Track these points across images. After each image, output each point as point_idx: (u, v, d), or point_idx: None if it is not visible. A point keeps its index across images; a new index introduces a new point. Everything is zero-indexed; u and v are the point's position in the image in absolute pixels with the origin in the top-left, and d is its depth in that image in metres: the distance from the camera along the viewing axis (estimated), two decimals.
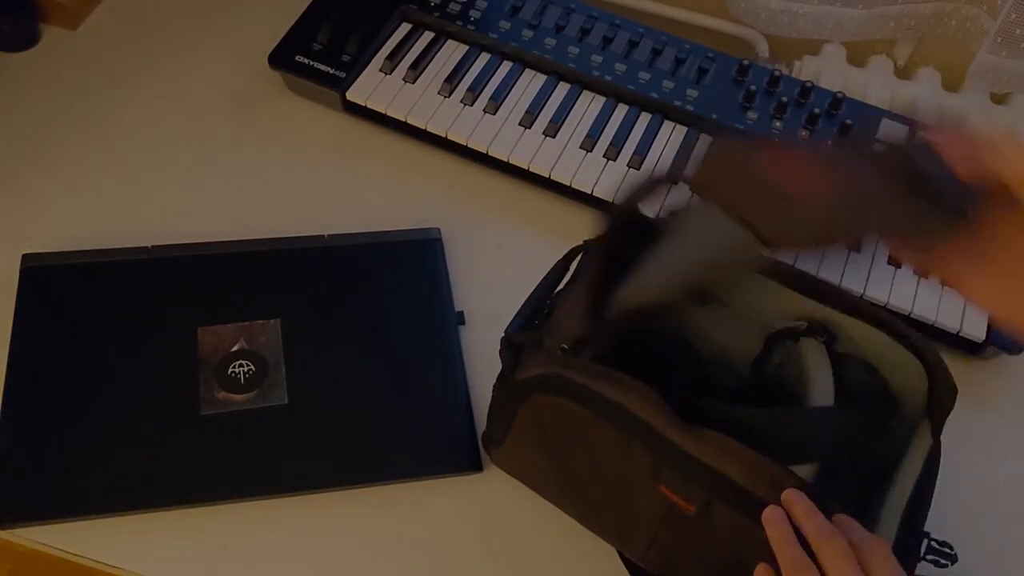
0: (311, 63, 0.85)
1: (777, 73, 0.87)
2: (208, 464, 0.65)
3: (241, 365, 0.69)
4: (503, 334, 0.60)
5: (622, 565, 0.64)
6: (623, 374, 0.55)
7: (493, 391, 0.63)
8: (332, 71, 0.84)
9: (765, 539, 0.50)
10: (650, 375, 0.54)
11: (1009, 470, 0.73)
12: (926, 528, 0.56)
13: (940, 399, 0.58)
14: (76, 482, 0.63)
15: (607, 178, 0.81)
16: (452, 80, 0.85)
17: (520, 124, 0.83)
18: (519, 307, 0.61)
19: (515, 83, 0.86)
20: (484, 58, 0.87)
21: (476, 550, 0.65)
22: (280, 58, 0.85)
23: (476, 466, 0.67)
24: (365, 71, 0.85)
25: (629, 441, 0.54)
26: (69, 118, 0.85)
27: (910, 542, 0.54)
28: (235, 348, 0.69)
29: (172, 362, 0.68)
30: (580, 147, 0.83)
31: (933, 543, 0.55)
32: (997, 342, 0.74)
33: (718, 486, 0.52)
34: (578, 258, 0.65)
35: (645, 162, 0.82)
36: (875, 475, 0.61)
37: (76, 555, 0.63)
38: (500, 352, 0.60)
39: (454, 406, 0.70)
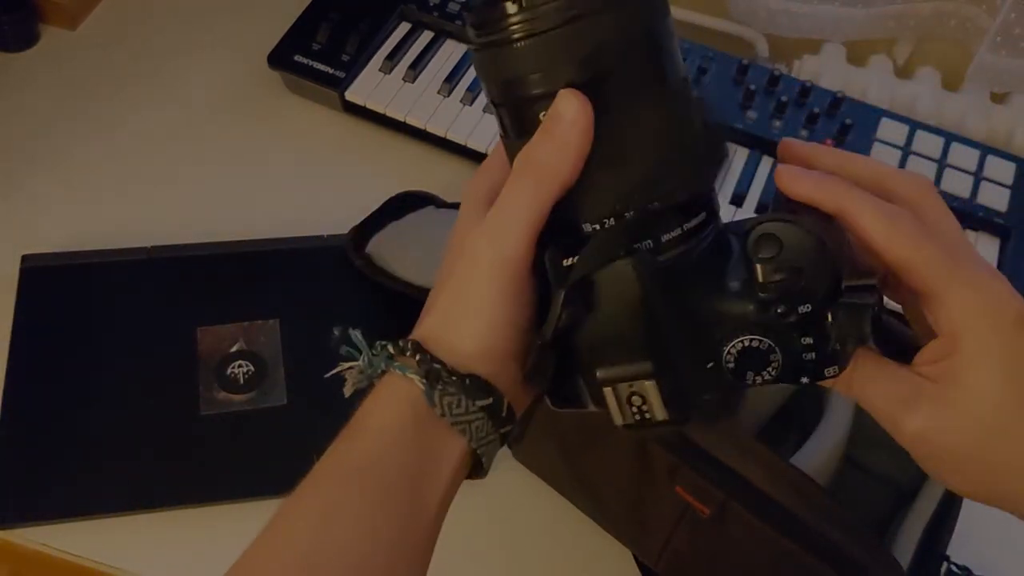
0: (310, 63, 0.85)
1: (777, 73, 0.87)
2: (208, 464, 0.65)
3: (240, 365, 0.69)
4: None
5: (624, 568, 0.64)
6: None
7: None
8: (331, 71, 0.84)
9: (780, 546, 0.50)
10: None
11: None
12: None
13: None
14: (76, 482, 0.63)
15: None
16: (451, 80, 0.85)
17: None
18: None
19: None
20: None
21: (476, 551, 0.65)
22: (279, 58, 0.85)
23: None
24: (364, 71, 0.85)
25: (646, 440, 0.54)
26: (69, 118, 0.85)
27: (928, 565, 0.54)
28: (234, 348, 0.69)
29: (171, 362, 0.68)
30: None
31: (953, 567, 0.54)
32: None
33: (736, 488, 0.51)
34: None
35: None
36: (898, 497, 0.61)
37: (76, 555, 0.63)
38: None
39: None
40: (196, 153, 0.84)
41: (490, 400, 0.37)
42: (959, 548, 0.56)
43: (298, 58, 0.85)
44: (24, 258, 0.72)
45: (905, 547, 0.55)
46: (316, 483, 0.39)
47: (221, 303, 0.71)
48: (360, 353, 0.41)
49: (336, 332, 0.42)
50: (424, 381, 0.37)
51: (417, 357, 0.38)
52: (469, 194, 0.40)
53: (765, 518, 0.51)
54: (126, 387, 0.67)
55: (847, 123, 0.84)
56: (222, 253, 0.74)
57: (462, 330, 0.38)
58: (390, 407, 0.38)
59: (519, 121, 0.36)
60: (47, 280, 0.71)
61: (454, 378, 0.37)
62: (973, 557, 0.59)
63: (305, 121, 0.87)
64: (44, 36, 0.91)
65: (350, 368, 0.41)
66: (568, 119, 0.34)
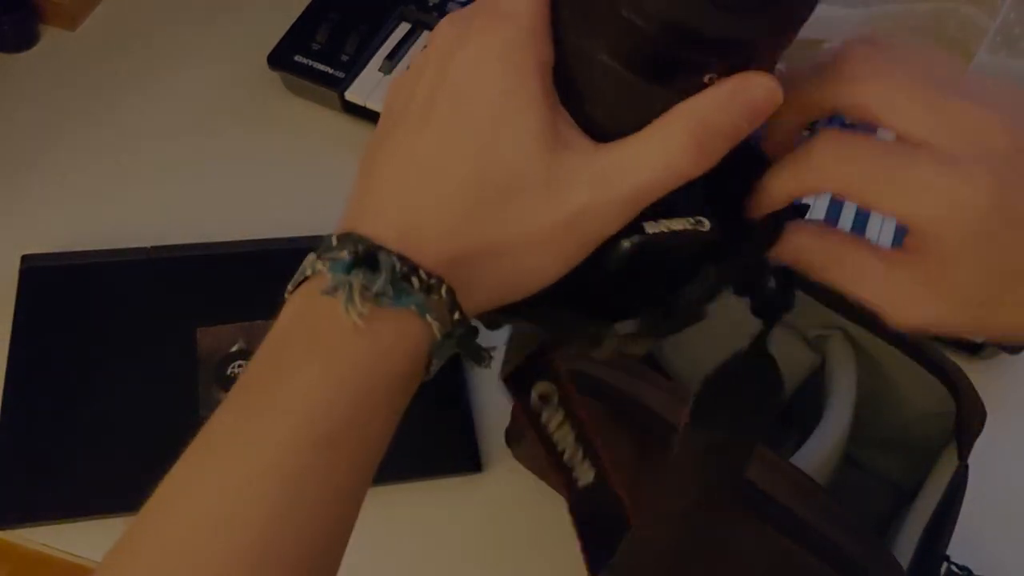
0: (310, 63, 0.85)
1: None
2: None
3: (240, 366, 0.69)
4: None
5: None
6: (653, 372, 0.55)
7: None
8: (331, 71, 0.84)
9: (780, 546, 0.50)
10: None
11: (1007, 471, 0.72)
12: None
13: (968, 423, 0.57)
14: (76, 482, 0.63)
15: None
16: None
17: None
18: None
19: None
20: None
21: (477, 551, 0.65)
22: (279, 58, 0.85)
23: (476, 466, 0.67)
24: (364, 71, 0.85)
25: (648, 441, 0.54)
26: (68, 118, 0.85)
27: (929, 565, 0.54)
28: (234, 348, 0.69)
29: (171, 363, 0.68)
30: None
31: (953, 567, 0.55)
32: (996, 342, 0.74)
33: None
34: None
35: None
36: (898, 497, 0.60)
37: (76, 555, 0.63)
38: None
39: (453, 405, 0.69)
40: (196, 153, 0.84)
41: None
42: (959, 548, 0.56)
43: (298, 58, 0.85)
44: (24, 258, 0.72)
45: (905, 547, 0.55)
46: (279, 455, 0.30)
47: (221, 303, 0.71)
48: (377, 274, 0.29)
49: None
50: (442, 331, 0.30)
51: (443, 299, 0.30)
52: None
53: (765, 518, 0.51)
54: (126, 387, 0.67)
55: (847, 123, 0.83)
56: (222, 253, 0.74)
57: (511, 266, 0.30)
58: (390, 355, 0.31)
59: None
60: (47, 280, 0.71)
61: (469, 327, 0.31)
62: (973, 557, 0.59)
63: (305, 121, 0.87)
64: (44, 36, 0.91)
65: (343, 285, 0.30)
66: None
